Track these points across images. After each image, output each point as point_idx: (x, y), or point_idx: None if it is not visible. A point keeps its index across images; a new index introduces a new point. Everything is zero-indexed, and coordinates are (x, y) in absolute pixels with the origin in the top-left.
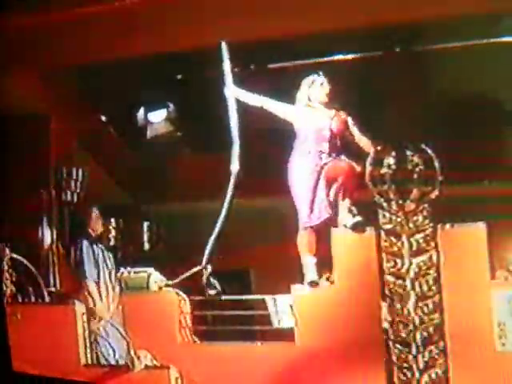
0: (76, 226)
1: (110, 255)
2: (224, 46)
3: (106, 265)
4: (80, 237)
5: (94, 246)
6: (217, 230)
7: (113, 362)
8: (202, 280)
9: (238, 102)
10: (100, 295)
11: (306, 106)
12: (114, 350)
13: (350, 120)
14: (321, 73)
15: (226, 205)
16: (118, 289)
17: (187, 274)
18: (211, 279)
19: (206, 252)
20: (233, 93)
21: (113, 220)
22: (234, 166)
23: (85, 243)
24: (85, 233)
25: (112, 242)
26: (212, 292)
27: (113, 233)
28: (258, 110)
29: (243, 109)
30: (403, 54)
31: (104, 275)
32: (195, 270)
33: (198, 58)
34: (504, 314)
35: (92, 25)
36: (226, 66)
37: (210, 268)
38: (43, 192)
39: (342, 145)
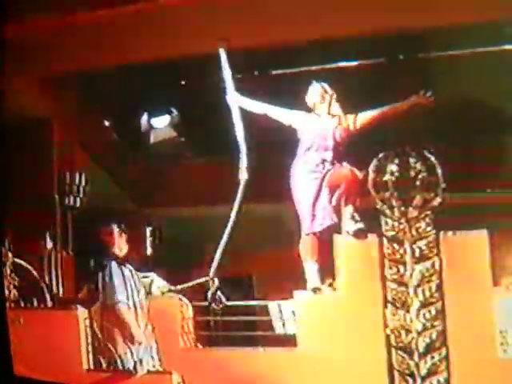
0: (100, 248)
1: (140, 275)
2: (222, 52)
3: (136, 286)
4: (107, 259)
5: (123, 268)
6: (224, 240)
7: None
8: (208, 293)
9: (241, 109)
10: (135, 319)
11: (310, 113)
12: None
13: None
14: (325, 80)
15: (233, 215)
16: (145, 309)
17: (193, 282)
18: (218, 293)
19: (214, 264)
20: (235, 100)
21: (115, 225)
22: (243, 176)
23: (113, 265)
24: (111, 254)
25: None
26: (217, 307)
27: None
28: (262, 117)
29: (246, 116)
30: (406, 62)
31: (133, 297)
32: (201, 280)
33: (202, 64)
34: (506, 321)
35: (94, 30)
36: (226, 73)
37: (217, 281)
38: (46, 197)
39: (344, 152)
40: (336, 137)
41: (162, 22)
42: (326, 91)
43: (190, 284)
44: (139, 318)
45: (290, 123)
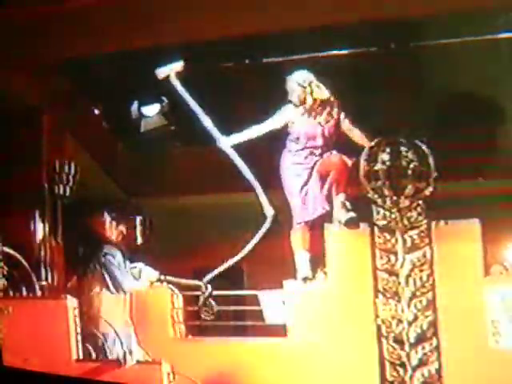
0: (92, 237)
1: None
2: (208, 119)
3: (123, 276)
4: (98, 248)
5: (114, 257)
6: (231, 262)
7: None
8: (199, 300)
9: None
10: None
11: (298, 107)
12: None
13: (342, 117)
14: (314, 72)
15: (251, 244)
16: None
17: (185, 281)
18: (210, 301)
19: (212, 273)
20: (227, 143)
21: (107, 214)
22: (269, 211)
23: (104, 255)
24: (103, 243)
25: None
26: (208, 314)
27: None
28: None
29: None
30: (398, 51)
31: (120, 287)
32: (195, 282)
33: (193, 52)
34: (497, 310)
35: (82, 18)
36: (208, 122)
37: (210, 288)
38: (36, 185)
39: (334, 143)
40: (326, 134)
41: (151, 9)
42: (315, 84)
43: (182, 281)
44: (123, 309)
45: (283, 124)
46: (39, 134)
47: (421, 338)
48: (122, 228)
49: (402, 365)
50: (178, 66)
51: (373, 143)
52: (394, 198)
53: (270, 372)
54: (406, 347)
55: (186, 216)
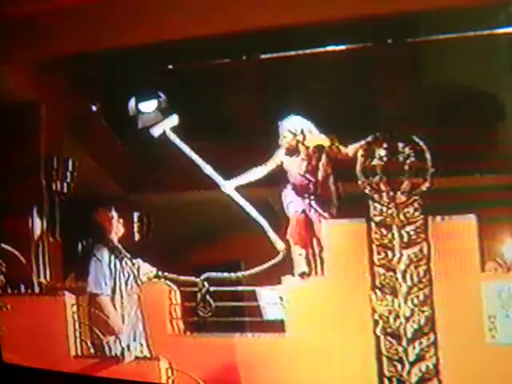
0: (92, 233)
1: (129, 262)
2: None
3: (123, 273)
4: (98, 246)
5: (113, 254)
6: (235, 275)
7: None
8: (197, 296)
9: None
10: (115, 308)
11: (289, 155)
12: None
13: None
14: (305, 117)
15: (258, 268)
16: (135, 295)
17: (182, 278)
18: (207, 297)
19: (213, 275)
20: (231, 187)
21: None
22: (279, 246)
23: (103, 253)
24: (105, 240)
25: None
26: (205, 311)
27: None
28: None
29: None
30: (395, 46)
31: (120, 285)
32: (192, 279)
33: (190, 48)
34: (494, 306)
35: (81, 14)
36: (210, 171)
37: (207, 285)
38: (33, 182)
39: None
40: (319, 179)
41: (149, 6)
42: (308, 131)
43: (180, 278)
44: (125, 306)
45: (279, 163)
46: (37, 131)
47: (418, 334)
48: (120, 224)
49: (400, 360)
50: (172, 120)
51: (370, 138)
52: (391, 193)
53: (268, 367)
54: (404, 342)
55: (184, 213)
